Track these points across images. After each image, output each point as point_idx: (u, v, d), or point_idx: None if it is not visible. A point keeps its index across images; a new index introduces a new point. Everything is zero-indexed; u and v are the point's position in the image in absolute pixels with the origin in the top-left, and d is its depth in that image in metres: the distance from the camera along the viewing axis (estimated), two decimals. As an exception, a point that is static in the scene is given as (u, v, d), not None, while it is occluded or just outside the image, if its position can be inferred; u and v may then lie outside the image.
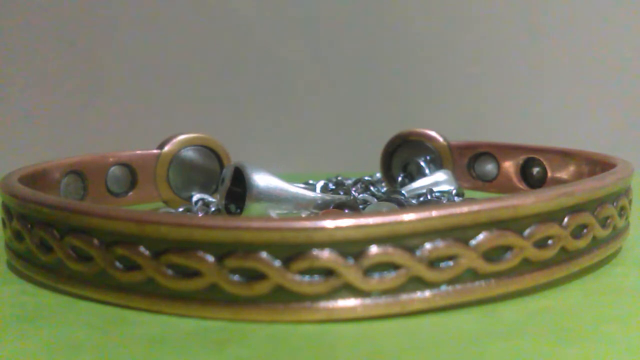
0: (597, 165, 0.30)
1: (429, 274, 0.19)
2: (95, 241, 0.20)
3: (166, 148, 0.33)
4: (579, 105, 0.56)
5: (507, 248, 0.20)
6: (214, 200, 0.33)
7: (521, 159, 0.34)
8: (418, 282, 0.19)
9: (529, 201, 0.20)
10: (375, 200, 0.32)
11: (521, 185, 0.34)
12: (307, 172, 0.49)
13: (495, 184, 0.36)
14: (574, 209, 0.21)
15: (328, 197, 0.29)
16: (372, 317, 0.18)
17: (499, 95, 0.56)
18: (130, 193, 0.33)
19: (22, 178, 0.26)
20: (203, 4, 0.56)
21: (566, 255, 0.21)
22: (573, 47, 0.55)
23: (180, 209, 0.32)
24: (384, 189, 0.37)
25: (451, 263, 0.19)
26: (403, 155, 0.37)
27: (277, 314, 0.18)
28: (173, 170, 0.34)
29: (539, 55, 0.56)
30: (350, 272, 0.18)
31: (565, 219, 0.21)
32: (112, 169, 0.32)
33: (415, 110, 0.56)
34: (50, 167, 0.29)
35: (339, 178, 0.38)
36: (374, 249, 0.18)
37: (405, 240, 0.18)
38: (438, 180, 0.34)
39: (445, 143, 0.36)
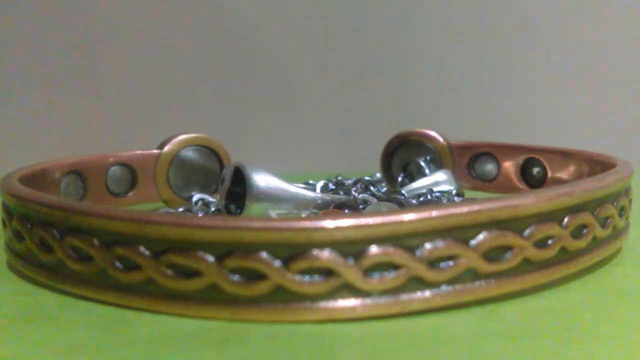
0: (597, 165, 0.30)
1: (429, 274, 0.19)
2: (95, 241, 0.20)
3: (166, 148, 0.33)
4: (579, 105, 0.56)
5: (507, 248, 0.20)
6: (214, 200, 0.33)
7: (521, 159, 0.34)
8: (418, 282, 0.19)
9: (529, 201, 0.20)
10: (375, 200, 0.31)
11: (521, 185, 0.34)
12: (307, 172, 0.49)
13: (495, 184, 0.36)
14: (574, 209, 0.21)
15: (328, 197, 0.29)
16: (372, 317, 0.18)
17: (499, 95, 0.56)
18: (130, 193, 0.33)
19: (22, 178, 0.26)
20: (203, 3, 0.56)
21: (566, 255, 0.21)
22: (573, 47, 0.55)
23: (180, 209, 0.32)
24: (384, 189, 0.37)
25: (451, 263, 0.19)
26: (403, 155, 0.37)
27: (277, 314, 0.18)
28: (173, 170, 0.34)
29: (539, 55, 0.56)
30: (350, 272, 0.18)
31: (565, 219, 0.21)
32: (112, 169, 0.32)
33: (415, 110, 0.56)
34: (50, 167, 0.29)
35: (339, 178, 0.38)
36: (374, 249, 0.18)
37: (405, 240, 0.18)
38: (438, 180, 0.34)
39: (445, 143, 0.36)
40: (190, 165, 0.34)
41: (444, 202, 0.32)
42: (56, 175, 0.30)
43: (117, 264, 0.19)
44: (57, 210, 0.21)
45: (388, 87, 0.56)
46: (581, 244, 0.22)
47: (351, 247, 0.18)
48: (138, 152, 0.33)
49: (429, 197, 0.32)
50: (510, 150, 0.35)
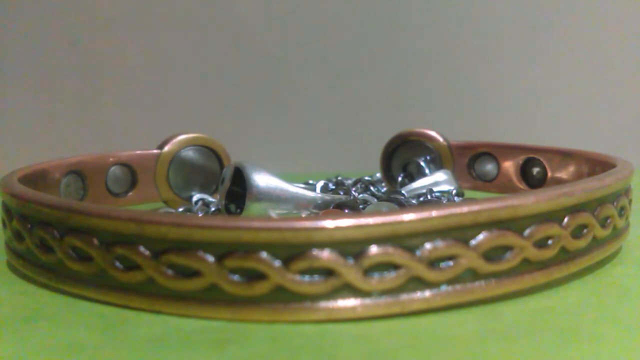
0: (597, 165, 0.30)
1: (429, 274, 0.19)
2: (95, 241, 0.20)
3: (166, 148, 0.33)
4: (579, 105, 0.56)
5: (507, 248, 0.20)
6: (214, 200, 0.33)
7: (521, 159, 0.34)
8: (418, 282, 0.19)
9: (529, 201, 0.20)
10: (375, 200, 0.31)
11: (521, 185, 0.34)
12: (307, 172, 0.49)
13: (495, 184, 0.36)
14: (574, 209, 0.21)
15: (328, 197, 0.29)
16: (372, 317, 0.18)
17: (499, 95, 0.56)
18: (130, 193, 0.33)
19: (22, 178, 0.26)
20: (203, 4, 0.56)
21: (566, 255, 0.21)
22: (573, 47, 0.55)
23: (180, 209, 0.32)
24: (384, 189, 0.37)
25: (451, 263, 0.19)
26: (403, 155, 0.37)
27: (277, 314, 0.18)
28: (173, 170, 0.34)
29: (539, 55, 0.56)
30: (350, 272, 0.18)
31: (565, 219, 0.21)
32: (112, 169, 0.32)
33: (415, 110, 0.56)
34: (50, 167, 0.29)
35: (339, 178, 0.38)
36: (374, 249, 0.18)
37: (405, 240, 0.18)
38: (438, 180, 0.34)
39: (445, 143, 0.36)
40: (190, 165, 0.34)
41: (444, 202, 0.32)
42: (56, 175, 0.30)
43: (117, 264, 0.19)
44: (57, 210, 0.21)
45: (388, 87, 0.56)
46: (581, 244, 0.22)
47: (351, 247, 0.18)
48: (138, 152, 0.33)
49: (429, 197, 0.32)
50: (510, 150, 0.35)
